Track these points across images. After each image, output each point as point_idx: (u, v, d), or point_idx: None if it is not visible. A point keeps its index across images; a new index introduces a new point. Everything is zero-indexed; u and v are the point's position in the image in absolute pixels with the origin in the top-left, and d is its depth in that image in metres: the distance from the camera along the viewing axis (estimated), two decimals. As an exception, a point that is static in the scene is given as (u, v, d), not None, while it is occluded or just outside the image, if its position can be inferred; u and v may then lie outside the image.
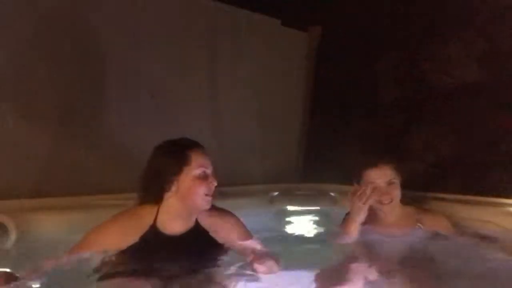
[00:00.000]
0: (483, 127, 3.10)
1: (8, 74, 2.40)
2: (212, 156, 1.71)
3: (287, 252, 1.93)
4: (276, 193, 3.16)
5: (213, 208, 1.68)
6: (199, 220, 1.66)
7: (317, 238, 2.60)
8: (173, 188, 1.57)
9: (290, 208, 3.07)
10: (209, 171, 1.59)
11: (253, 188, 3.24)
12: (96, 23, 2.75)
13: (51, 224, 2.09)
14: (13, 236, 1.95)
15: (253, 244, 1.74)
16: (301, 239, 2.56)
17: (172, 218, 1.58)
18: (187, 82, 3.25)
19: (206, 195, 1.56)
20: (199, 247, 1.59)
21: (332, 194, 3.15)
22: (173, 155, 1.58)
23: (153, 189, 1.59)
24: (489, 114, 3.07)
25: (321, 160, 3.84)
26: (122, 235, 1.53)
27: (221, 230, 1.68)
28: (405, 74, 3.56)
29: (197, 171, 1.56)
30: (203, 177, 1.56)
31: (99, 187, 2.61)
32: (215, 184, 1.58)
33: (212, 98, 3.45)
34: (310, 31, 4.09)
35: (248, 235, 1.76)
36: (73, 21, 2.65)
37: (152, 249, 1.52)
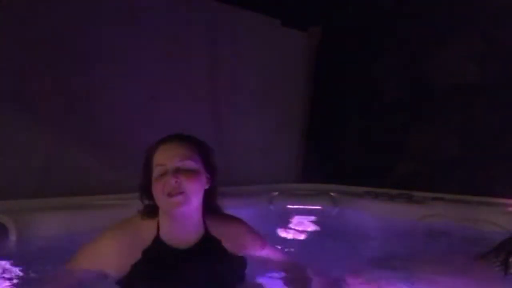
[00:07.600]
0: (483, 127, 3.10)
1: (8, 74, 2.40)
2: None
3: (287, 252, 1.93)
4: (276, 193, 3.16)
5: (221, 216, 1.49)
6: (209, 230, 1.43)
7: (317, 238, 2.60)
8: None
9: (290, 208, 3.07)
10: (169, 167, 1.32)
11: (253, 188, 3.25)
12: (96, 23, 2.75)
13: (51, 224, 2.09)
14: (13, 236, 1.95)
15: (275, 253, 1.59)
16: (301, 239, 2.56)
17: (172, 229, 1.37)
18: (187, 82, 3.25)
19: (167, 195, 1.30)
20: (212, 261, 1.38)
21: (332, 194, 3.16)
22: (143, 163, 1.41)
23: (145, 201, 1.42)
24: (489, 114, 3.07)
25: (321, 160, 3.84)
26: (122, 256, 1.33)
27: (232, 240, 1.46)
28: (405, 74, 3.56)
29: (156, 173, 1.34)
30: (160, 177, 1.32)
31: (99, 187, 2.61)
32: (174, 181, 1.29)
33: (212, 97, 3.45)
34: (310, 31, 4.09)
35: (262, 242, 1.56)
36: (73, 22, 2.65)
37: (159, 265, 1.34)
